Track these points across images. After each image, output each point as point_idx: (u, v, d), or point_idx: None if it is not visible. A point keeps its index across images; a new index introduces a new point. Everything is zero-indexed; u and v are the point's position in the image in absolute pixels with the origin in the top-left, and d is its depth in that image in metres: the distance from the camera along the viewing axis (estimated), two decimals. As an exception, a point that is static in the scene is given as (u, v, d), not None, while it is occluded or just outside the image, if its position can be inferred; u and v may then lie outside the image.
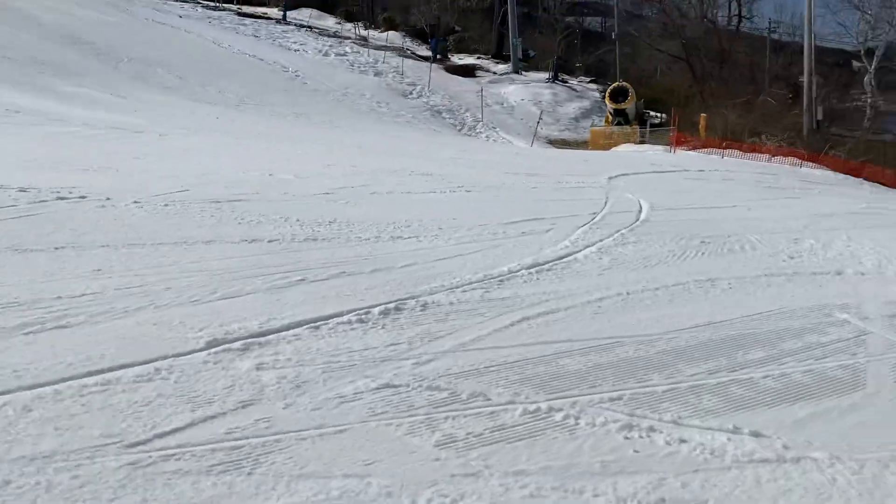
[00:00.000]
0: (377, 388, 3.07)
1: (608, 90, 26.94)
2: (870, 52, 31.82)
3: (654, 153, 21.91)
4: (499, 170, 12.41)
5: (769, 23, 35.07)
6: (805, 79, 23.02)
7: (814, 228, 7.89)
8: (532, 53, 43.04)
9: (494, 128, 26.33)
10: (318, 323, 3.79)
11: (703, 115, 24.18)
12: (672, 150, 21.51)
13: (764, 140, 21.92)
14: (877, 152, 23.36)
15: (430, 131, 23.26)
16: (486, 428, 2.79)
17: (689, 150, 22.43)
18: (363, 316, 3.93)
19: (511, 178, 11.46)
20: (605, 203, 9.10)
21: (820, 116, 22.68)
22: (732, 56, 29.55)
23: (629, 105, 25.31)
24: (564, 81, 37.27)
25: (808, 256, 6.34)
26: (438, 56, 39.48)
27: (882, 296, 5.09)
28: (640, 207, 8.88)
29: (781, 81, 32.75)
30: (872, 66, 30.42)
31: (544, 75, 36.92)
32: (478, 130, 25.90)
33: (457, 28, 46.69)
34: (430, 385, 3.13)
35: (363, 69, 30.09)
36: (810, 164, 20.90)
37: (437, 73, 34.13)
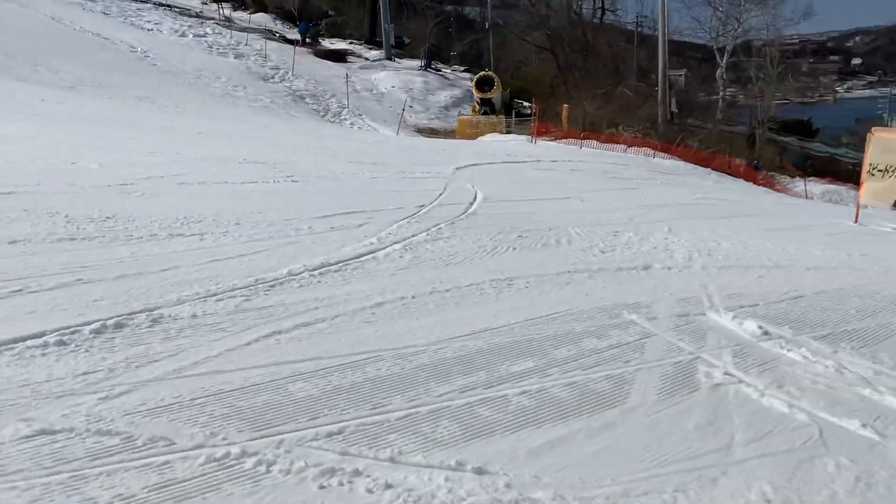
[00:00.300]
0: (29, 436, 2.44)
1: (474, 79, 26.85)
2: (722, 49, 33.54)
3: (516, 143, 21.97)
4: (344, 159, 11.82)
5: (636, 17, 36.35)
6: (660, 71, 23.81)
7: (638, 220, 7.84)
8: (407, 41, 42.52)
9: (361, 115, 25.63)
10: (4, 347, 3.10)
11: (565, 105, 24.54)
12: (533, 141, 21.63)
13: (620, 131, 22.49)
14: (727, 143, 24.58)
15: (289, 117, 22.25)
16: (145, 486, 2.23)
17: (552, 140, 22.66)
18: (67, 336, 3.27)
19: (353, 167, 10.90)
20: (440, 194, 8.73)
21: (674, 108, 23.60)
22: (597, 48, 30.29)
23: (495, 94, 25.33)
24: (438, 69, 36.99)
25: (620, 251, 6.18)
26: (308, 40, 38.16)
27: (679, 292, 4.93)
28: (475, 199, 8.58)
29: (651, 74, 33.90)
30: (723, 62, 32.06)
31: (418, 63, 36.50)
32: (342, 117, 25.10)
33: (330, 12, 45.43)
34: (103, 428, 2.53)
35: (222, 51, 28.48)
36: (663, 154, 21.62)
37: (305, 58, 32.93)
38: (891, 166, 9.23)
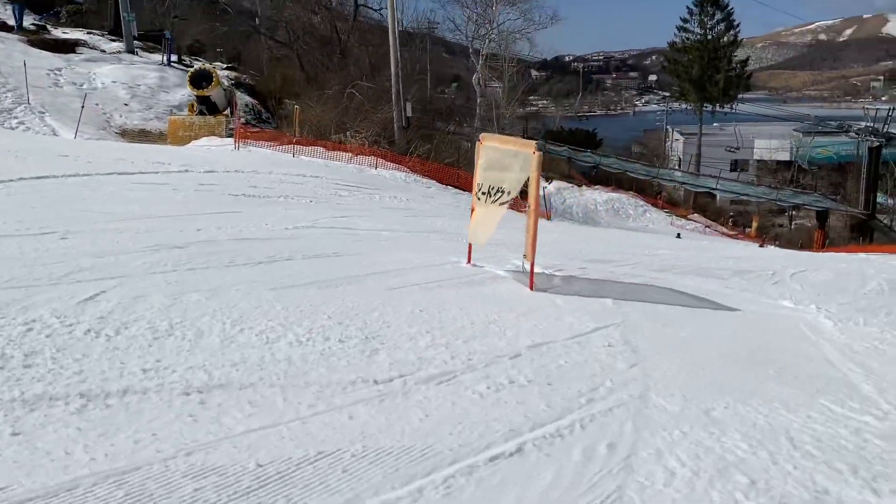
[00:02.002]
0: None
1: (189, 74, 22.90)
2: (477, 52, 32.00)
3: (222, 148, 18.35)
4: None
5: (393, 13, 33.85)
6: (392, 73, 21.32)
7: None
8: (168, 34, 37.50)
9: (44, 113, 20.81)
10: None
11: (296, 107, 21.27)
12: (236, 147, 18.13)
13: (349, 137, 19.60)
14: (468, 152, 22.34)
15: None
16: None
17: (270, 146, 19.26)
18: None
19: None
20: None
21: (409, 113, 21.20)
22: (348, 46, 27.43)
23: (213, 92, 21.56)
24: (188, 65, 32.41)
25: None
26: (34, 26, 32.20)
27: None
28: None
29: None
30: (479, 64, 30.46)
31: (172, 57, 31.85)
32: (14, 115, 20.17)
33: (71, -2, 39.28)
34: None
35: None
36: (391, 165, 18.92)
37: (13, 46, 27.24)
38: (494, 188, 6.65)
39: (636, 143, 77.98)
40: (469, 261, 7.17)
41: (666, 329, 5.36)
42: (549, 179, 54.63)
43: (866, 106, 36.62)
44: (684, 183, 33.15)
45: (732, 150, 53.73)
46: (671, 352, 4.69)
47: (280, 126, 22.49)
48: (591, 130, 56.16)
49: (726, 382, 4.12)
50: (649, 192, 54.18)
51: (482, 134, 7.13)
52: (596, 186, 56.31)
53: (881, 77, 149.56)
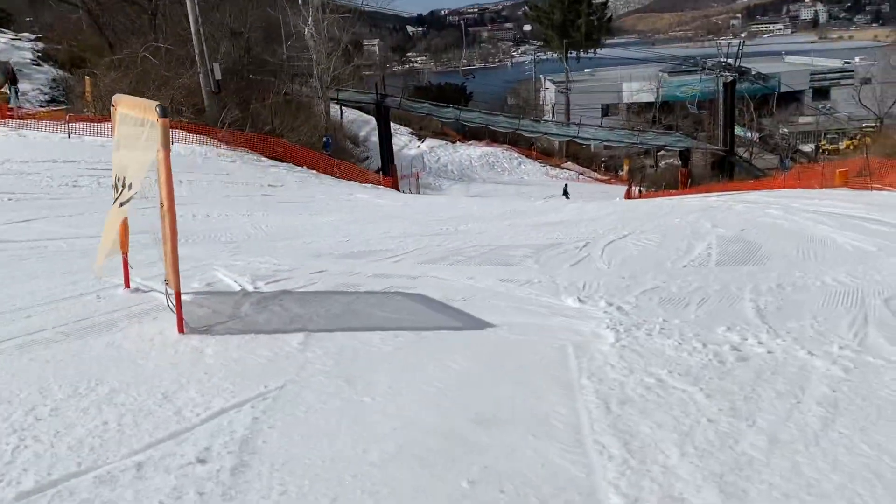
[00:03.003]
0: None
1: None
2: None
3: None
4: None
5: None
6: (192, 29, 18.29)
7: None
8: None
9: None
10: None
11: (86, 77, 17.93)
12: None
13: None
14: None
15: None
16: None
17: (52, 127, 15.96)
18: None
19: None
20: None
21: (218, 76, 18.30)
22: (160, 5, 23.68)
23: (-23, 68, 17.88)
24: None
25: None
26: None
27: None
28: None
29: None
30: (310, 15, 27.52)
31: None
32: None
33: None
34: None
35: None
36: (195, 138, 16.12)
37: None
38: (120, 178, 4.38)
39: (510, 94, 76.95)
40: (127, 284, 4.90)
41: (342, 393, 3.34)
42: (421, 138, 52.57)
43: (719, 41, 36.37)
44: (546, 133, 31.85)
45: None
46: (310, 452, 2.68)
47: (73, 101, 19.04)
48: (460, 84, 54.28)
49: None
50: (524, 144, 53.18)
51: (115, 96, 4.79)
52: (470, 142, 54.66)
53: (739, 15, 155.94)
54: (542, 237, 7.70)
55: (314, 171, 16.37)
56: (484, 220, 9.33)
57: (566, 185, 38.79)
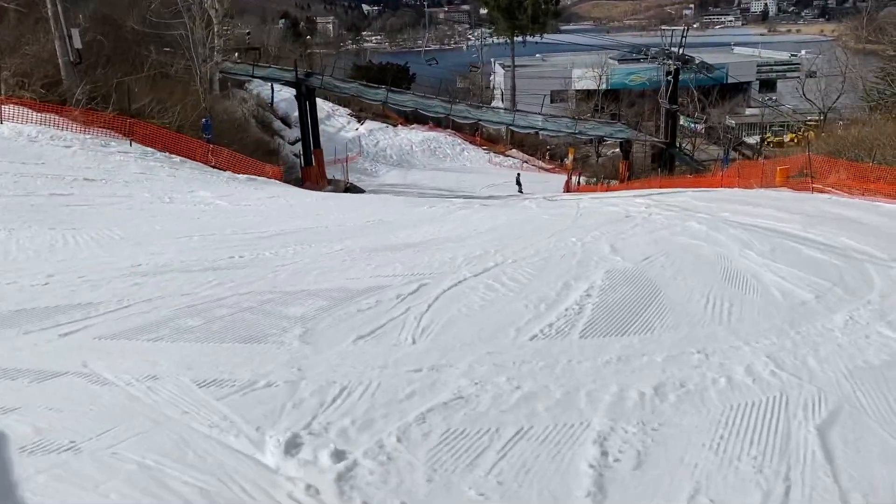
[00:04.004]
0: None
1: None
2: None
3: None
4: None
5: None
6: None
7: None
8: None
9: None
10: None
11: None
12: None
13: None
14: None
15: None
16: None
17: None
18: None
19: None
20: None
21: (78, 44, 15.46)
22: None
23: None
24: None
25: None
26: None
27: None
28: None
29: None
30: None
31: None
32: None
33: None
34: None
35: None
36: (39, 116, 13.41)
37: None
38: None
39: (461, 77, 74.49)
40: None
41: None
42: (360, 120, 49.75)
43: (663, 27, 34.61)
44: (479, 119, 29.63)
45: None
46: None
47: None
48: (403, 65, 51.55)
49: None
50: (469, 130, 50.77)
51: None
52: (413, 126, 52.06)
53: (692, 5, 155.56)
54: (366, 274, 5.48)
55: (185, 159, 13.78)
56: (318, 239, 7.03)
57: (518, 174, 36.55)
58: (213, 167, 14.30)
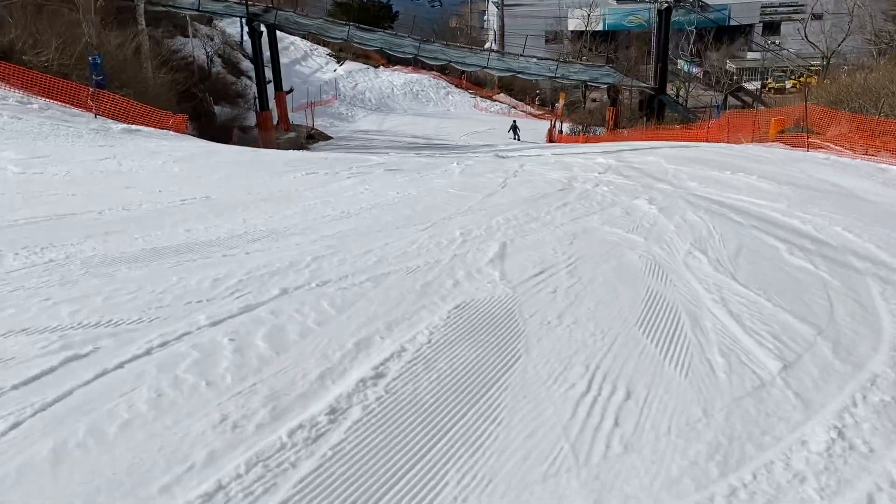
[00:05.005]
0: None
1: None
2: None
3: None
4: None
5: None
6: None
7: None
8: None
9: None
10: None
11: None
12: None
13: None
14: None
15: None
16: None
17: None
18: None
19: None
20: None
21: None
22: None
23: None
24: None
25: None
26: None
27: None
28: None
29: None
30: None
31: None
32: None
33: None
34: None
35: None
36: None
37: None
38: None
39: (454, 16, 70.41)
40: None
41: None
42: (340, 60, 46.42)
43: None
44: (450, 61, 26.66)
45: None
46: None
47: None
48: (385, 2, 47.89)
49: None
50: (455, 72, 47.44)
51: None
52: (395, 67, 48.67)
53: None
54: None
55: (51, 103, 11.26)
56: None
57: (514, 121, 33.63)
58: (97, 114, 11.85)
